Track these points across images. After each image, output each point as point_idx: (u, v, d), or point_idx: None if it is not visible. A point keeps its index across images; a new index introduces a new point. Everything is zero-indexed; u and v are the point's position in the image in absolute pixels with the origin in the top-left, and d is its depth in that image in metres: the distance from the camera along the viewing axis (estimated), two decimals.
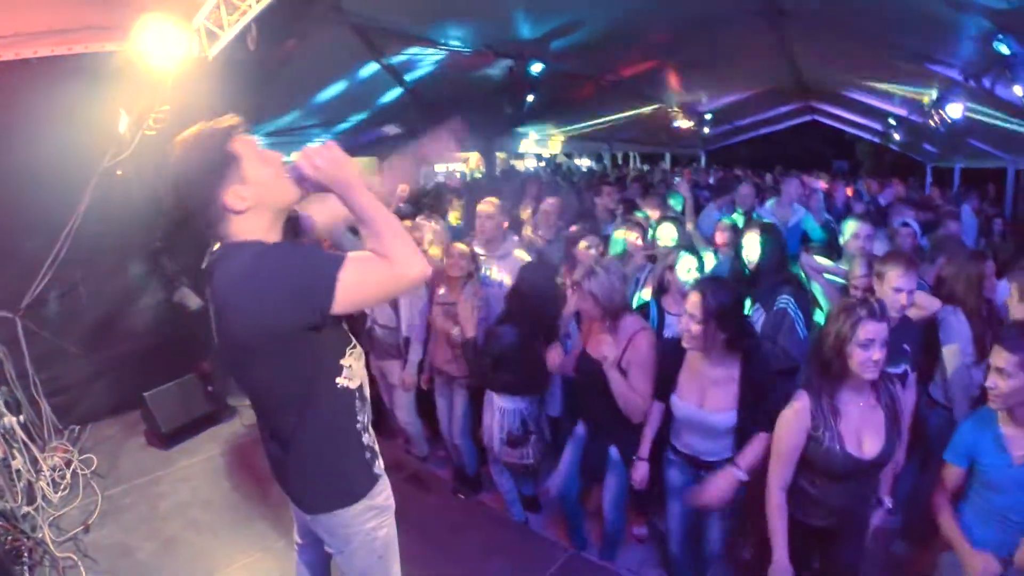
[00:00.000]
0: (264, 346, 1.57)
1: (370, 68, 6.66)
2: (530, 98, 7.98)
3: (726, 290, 2.74)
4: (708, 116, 12.65)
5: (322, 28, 5.24)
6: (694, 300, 2.70)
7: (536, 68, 7.37)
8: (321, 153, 1.55)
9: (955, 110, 8.17)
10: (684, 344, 2.79)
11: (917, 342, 3.15)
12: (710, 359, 2.78)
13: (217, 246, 1.65)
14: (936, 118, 8.75)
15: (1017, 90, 6.00)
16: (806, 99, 13.08)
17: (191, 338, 4.83)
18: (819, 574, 2.65)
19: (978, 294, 3.30)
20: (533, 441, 3.60)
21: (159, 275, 5.07)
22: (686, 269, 3.53)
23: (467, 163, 14.63)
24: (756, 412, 2.70)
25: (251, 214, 1.59)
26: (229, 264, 1.57)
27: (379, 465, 1.90)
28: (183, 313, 4.96)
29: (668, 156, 16.66)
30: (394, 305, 4.11)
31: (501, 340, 3.55)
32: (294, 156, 1.62)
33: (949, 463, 2.45)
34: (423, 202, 6.26)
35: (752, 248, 3.68)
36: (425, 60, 6.79)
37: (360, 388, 1.81)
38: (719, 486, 2.71)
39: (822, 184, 11.42)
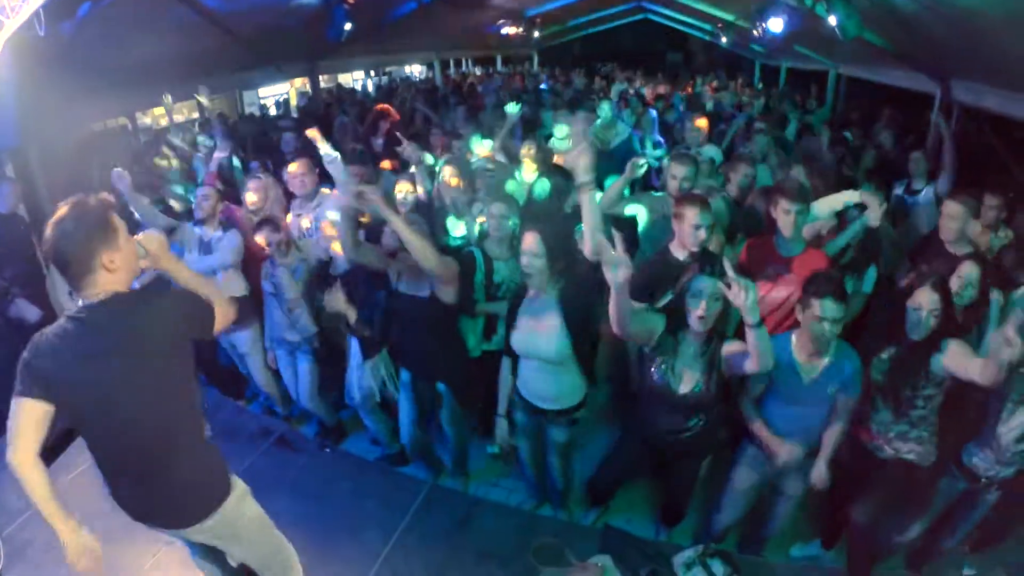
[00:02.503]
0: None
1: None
2: (348, 26, 7.33)
3: (553, 225, 2.91)
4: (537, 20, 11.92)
5: None
6: (531, 239, 2.78)
7: None
8: (151, 245, 2.05)
9: (776, 24, 8.06)
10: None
11: None
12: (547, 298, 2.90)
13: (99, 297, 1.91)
14: (759, 28, 8.71)
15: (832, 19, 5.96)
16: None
17: None
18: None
19: None
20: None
21: None
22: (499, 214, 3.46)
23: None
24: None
25: (119, 273, 1.94)
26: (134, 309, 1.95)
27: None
28: (24, 327, 4.23)
29: (499, 59, 15.76)
30: (247, 273, 4.14)
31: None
32: (138, 238, 2.05)
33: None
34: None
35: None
36: None
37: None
38: None
39: (660, 89, 11.31)
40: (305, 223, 4.25)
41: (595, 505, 3.52)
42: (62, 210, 1.86)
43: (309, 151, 4.25)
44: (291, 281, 3.78)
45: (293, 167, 4.21)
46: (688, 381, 2.71)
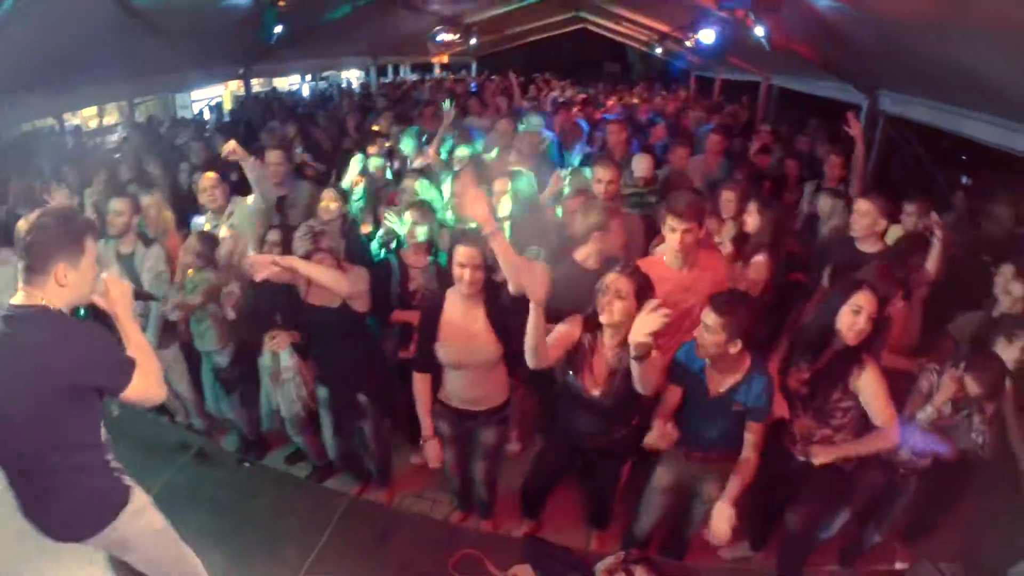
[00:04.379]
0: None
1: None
2: (278, 28, 7.05)
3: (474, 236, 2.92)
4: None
5: None
6: (466, 251, 2.79)
7: None
8: (114, 289, 2.13)
9: (707, 35, 8.16)
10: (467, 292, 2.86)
11: None
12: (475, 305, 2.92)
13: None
14: (691, 40, 8.82)
15: (758, 30, 6.06)
16: (576, 9, 12.74)
17: None
18: None
19: None
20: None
21: None
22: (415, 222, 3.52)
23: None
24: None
25: (65, 291, 1.98)
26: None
27: (127, 477, 2.22)
28: None
29: (436, 65, 15.54)
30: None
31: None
32: (105, 276, 2.13)
33: (671, 384, 2.82)
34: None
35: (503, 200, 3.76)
36: None
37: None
38: None
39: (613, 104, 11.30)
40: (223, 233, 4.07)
41: (527, 516, 3.50)
42: (55, 205, 1.89)
43: (219, 163, 4.22)
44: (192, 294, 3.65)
45: (203, 181, 4.10)
46: (601, 385, 2.73)
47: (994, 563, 2.97)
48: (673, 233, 2.98)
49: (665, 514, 3.10)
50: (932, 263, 3.34)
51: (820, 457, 2.70)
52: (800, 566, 3.12)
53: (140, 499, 2.24)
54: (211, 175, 4.12)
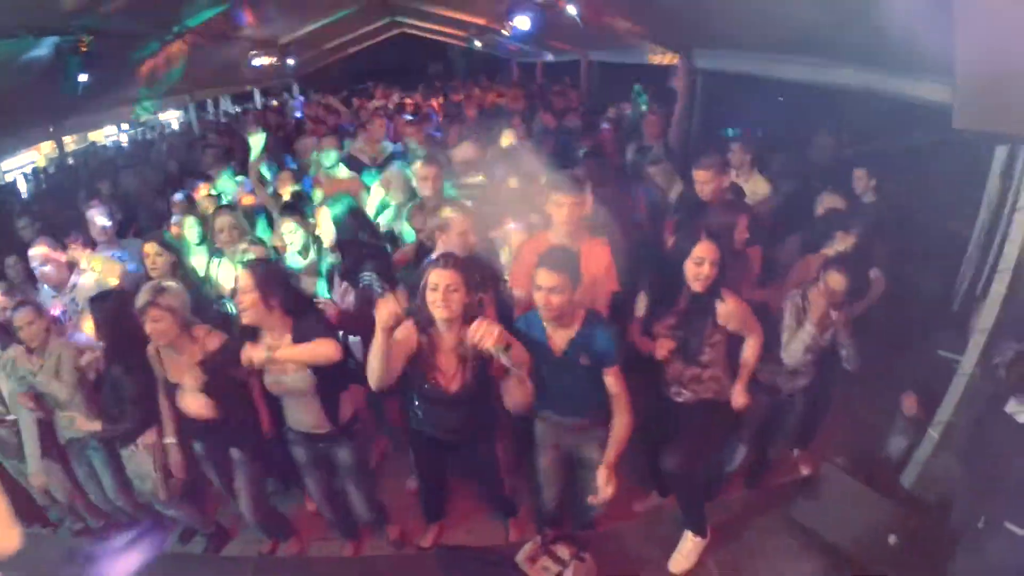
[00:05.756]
0: None
1: None
2: (83, 77, 6.37)
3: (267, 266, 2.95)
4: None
5: None
6: (244, 278, 2.74)
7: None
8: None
9: (522, 22, 8.49)
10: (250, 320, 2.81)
11: None
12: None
13: None
14: (508, 28, 9.15)
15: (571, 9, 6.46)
16: (391, 15, 12.72)
17: None
18: None
19: None
20: None
21: None
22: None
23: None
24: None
25: None
26: None
27: None
28: None
29: (257, 92, 14.86)
30: None
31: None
32: None
33: None
34: None
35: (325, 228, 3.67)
36: None
37: None
38: None
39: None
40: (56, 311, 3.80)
41: (431, 522, 3.49)
42: None
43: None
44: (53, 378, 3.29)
45: (34, 252, 3.86)
46: (456, 380, 2.75)
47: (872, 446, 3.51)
48: (560, 208, 3.08)
49: (561, 487, 3.11)
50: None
51: (740, 399, 2.94)
52: (701, 506, 3.14)
53: None
54: (41, 244, 3.88)
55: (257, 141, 5.03)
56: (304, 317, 2.84)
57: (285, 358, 2.73)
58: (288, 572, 3.44)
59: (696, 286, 2.82)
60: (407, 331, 2.66)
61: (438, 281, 2.57)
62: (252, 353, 2.70)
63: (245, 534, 3.64)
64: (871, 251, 3.46)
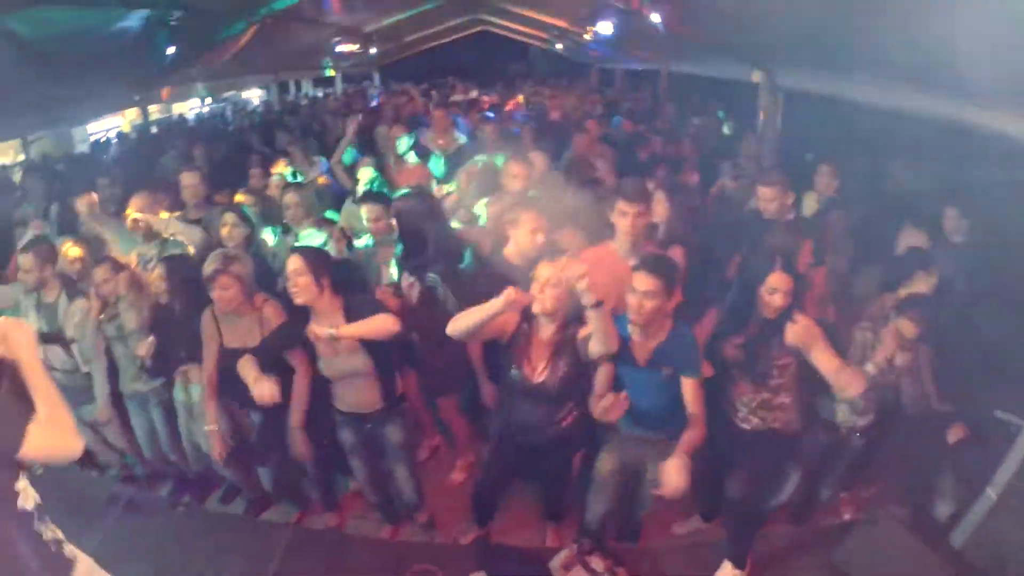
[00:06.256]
0: None
1: None
2: (171, 50, 6.71)
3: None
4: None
5: None
6: (295, 262, 2.80)
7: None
8: (13, 332, 1.82)
9: (605, 27, 8.34)
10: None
11: None
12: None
13: None
14: (591, 33, 9.03)
15: (655, 17, 6.25)
16: (476, 12, 12.78)
17: None
18: None
19: None
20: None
21: None
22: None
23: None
24: None
25: None
26: None
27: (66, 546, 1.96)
28: None
29: (339, 77, 15.17)
30: (66, 345, 3.65)
31: None
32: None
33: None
34: None
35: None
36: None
37: None
38: None
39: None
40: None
41: (479, 524, 3.39)
42: None
43: None
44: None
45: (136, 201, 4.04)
46: (543, 371, 2.73)
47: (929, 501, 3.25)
48: (624, 217, 3.00)
49: (615, 499, 3.04)
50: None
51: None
52: (750, 537, 3.04)
53: (84, 562, 2.02)
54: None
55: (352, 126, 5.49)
56: (355, 297, 2.94)
57: (348, 335, 2.79)
58: (322, 546, 3.44)
59: (767, 313, 2.75)
60: (512, 316, 2.70)
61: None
62: (317, 330, 2.77)
63: (286, 504, 3.72)
64: (952, 296, 3.22)
